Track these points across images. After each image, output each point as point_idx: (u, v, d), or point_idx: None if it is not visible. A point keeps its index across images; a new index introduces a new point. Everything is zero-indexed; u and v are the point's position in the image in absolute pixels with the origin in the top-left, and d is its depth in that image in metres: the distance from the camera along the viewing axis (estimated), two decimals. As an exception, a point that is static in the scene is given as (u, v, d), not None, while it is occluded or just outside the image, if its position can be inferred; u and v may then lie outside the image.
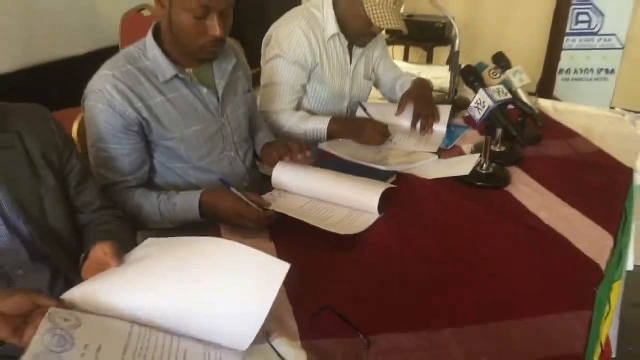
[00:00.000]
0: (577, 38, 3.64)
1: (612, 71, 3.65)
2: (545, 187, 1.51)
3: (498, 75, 1.62)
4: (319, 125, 1.82)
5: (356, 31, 1.85)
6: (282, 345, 0.95)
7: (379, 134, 1.78)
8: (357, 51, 1.97)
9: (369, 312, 1.03)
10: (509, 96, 1.47)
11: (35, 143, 1.14)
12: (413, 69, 2.68)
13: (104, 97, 1.33)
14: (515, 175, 1.57)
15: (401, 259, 1.23)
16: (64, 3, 2.85)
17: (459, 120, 1.96)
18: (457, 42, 2.03)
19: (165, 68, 1.39)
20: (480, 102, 1.45)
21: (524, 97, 1.71)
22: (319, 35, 1.86)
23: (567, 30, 3.63)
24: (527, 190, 1.49)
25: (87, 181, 1.25)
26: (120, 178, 1.38)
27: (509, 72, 1.70)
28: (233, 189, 1.34)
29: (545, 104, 2.08)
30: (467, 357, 0.94)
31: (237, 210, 1.29)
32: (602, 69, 3.67)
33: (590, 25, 3.58)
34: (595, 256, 1.21)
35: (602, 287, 1.14)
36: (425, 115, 1.84)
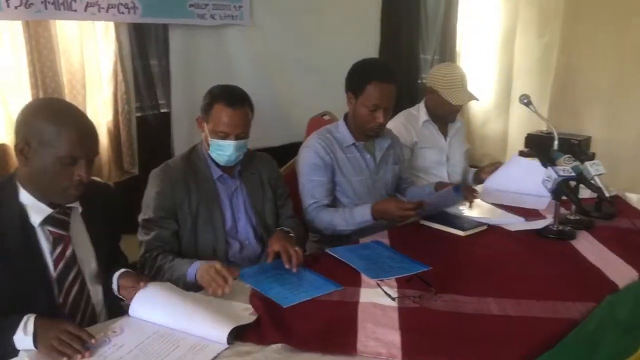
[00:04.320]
0: None
1: None
2: (599, 242, 2.04)
3: (570, 162, 2.19)
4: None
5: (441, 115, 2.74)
6: (387, 289, 1.64)
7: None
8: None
9: (441, 282, 1.67)
10: (573, 174, 2.06)
11: (265, 173, 2.05)
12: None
13: (312, 148, 2.23)
14: (581, 235, 2.11)
15: (483, 262, 1.89)
16: (272, 105, 3.76)
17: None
18: (555, 143, 2.64)
19: (348, 138, 2.28)
20: (549, 177, 2.06)
21: (599, 183, 2.23)
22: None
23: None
24: (585, 243, 2.03)
25: (287, 200, 2.13)
26: (315, 199, 2.20)
27: (587, 163, 2.26)
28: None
29: (631, 196, 2.56)
30: (499, 309, 1.54)
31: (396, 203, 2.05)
32: None
33: None
34: (616, 279, 1.73)
35: (614, 299, 1.62)
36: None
